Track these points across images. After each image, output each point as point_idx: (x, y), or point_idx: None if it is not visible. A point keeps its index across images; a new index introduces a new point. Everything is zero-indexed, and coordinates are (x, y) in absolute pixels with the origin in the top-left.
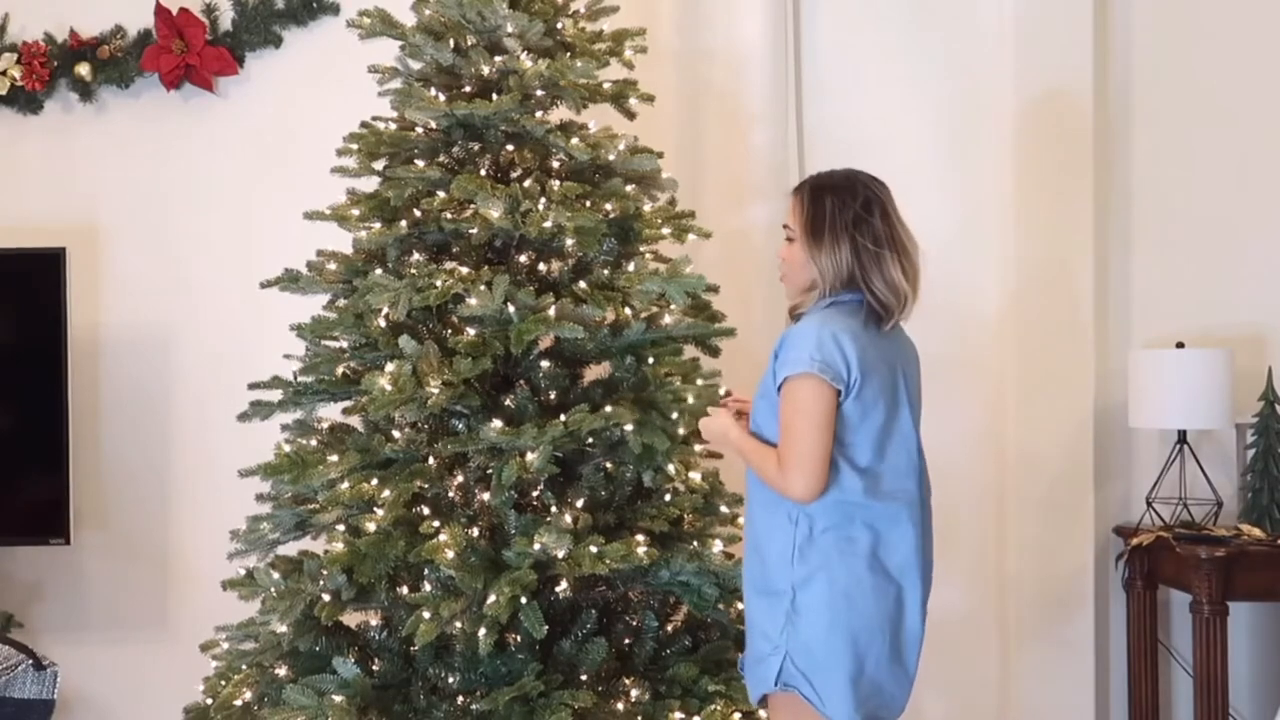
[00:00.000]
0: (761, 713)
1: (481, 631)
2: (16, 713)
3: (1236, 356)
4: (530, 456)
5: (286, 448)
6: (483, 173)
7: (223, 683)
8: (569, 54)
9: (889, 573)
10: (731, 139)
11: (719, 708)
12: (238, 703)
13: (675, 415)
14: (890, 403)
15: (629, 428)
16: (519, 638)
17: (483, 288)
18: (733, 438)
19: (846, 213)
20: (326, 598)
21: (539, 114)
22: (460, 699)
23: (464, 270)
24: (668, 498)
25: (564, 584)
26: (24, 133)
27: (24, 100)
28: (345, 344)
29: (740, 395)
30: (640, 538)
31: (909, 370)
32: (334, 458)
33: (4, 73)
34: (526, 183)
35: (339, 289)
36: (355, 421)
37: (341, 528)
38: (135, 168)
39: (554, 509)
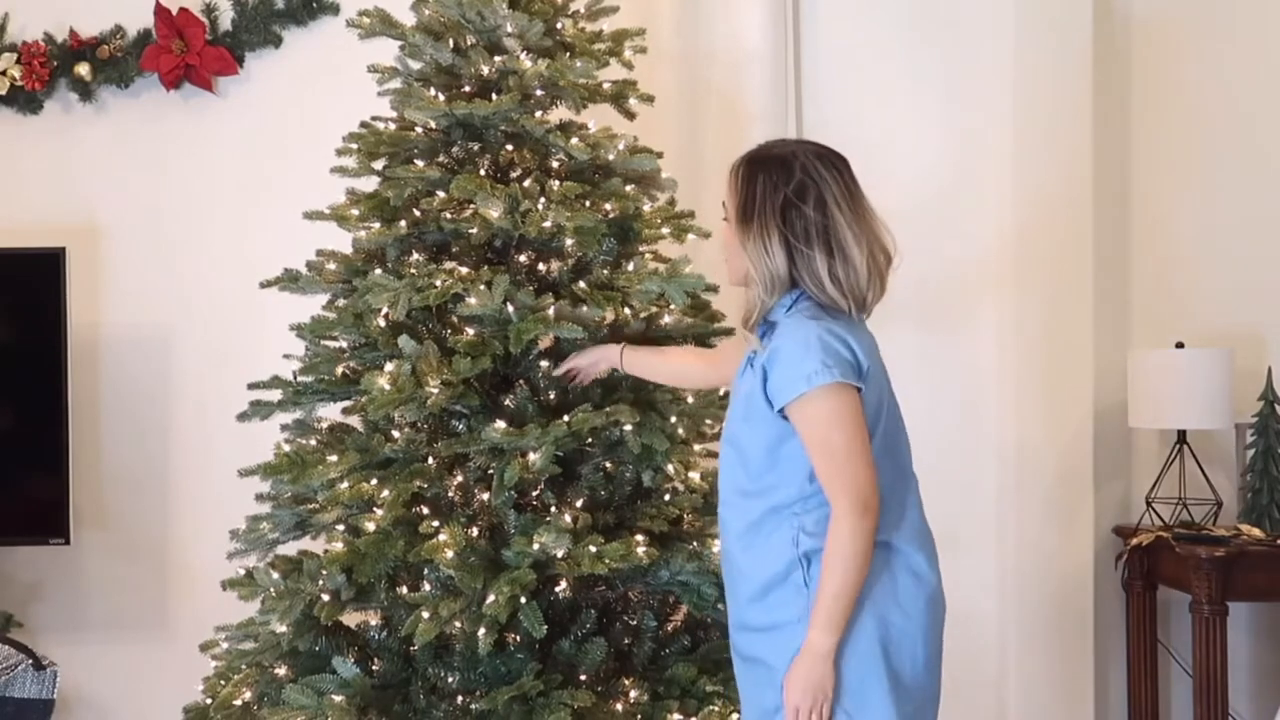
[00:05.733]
0: None
1: (481, 631)
2: (16, 713)
3: (1236, 356)
4: (532, 456)
5: (286, 448)
6: (482, 173)
7: (222, 683)
8: (569, 54)
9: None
10: (731, 139)
11: (717, 708)
12: (237, 703)
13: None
14: (888, 389)
15: (628, 428)
16: (518, 637)
17: (482, 287)
18: (827, 644)
19: (776, 196)
20: (326, 598)
21: (539, 114)
22: (460, 699)
23: (463, 270)
24: (667, 498)
25: (563, 584)
26: (24, 133)
27: (24, 100)
28: (345, 344)
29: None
30: (640, 538)
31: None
32: (334, 458)
33: (4, 73)
34: (526, 183)
35: (338, 289)
36: (355, 421)
37: (341, 528)
38: (135, 168)
39: (553, 509)
